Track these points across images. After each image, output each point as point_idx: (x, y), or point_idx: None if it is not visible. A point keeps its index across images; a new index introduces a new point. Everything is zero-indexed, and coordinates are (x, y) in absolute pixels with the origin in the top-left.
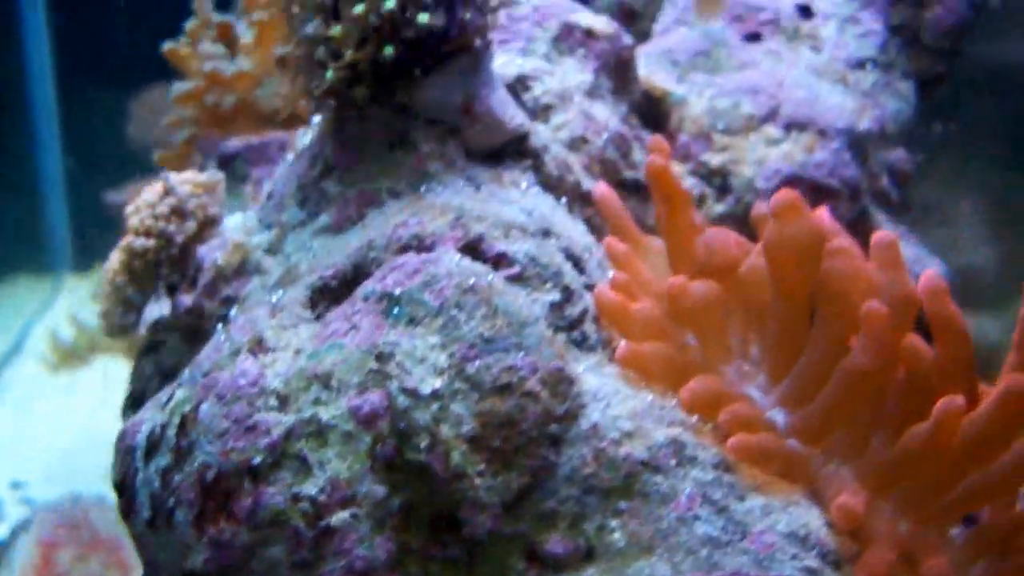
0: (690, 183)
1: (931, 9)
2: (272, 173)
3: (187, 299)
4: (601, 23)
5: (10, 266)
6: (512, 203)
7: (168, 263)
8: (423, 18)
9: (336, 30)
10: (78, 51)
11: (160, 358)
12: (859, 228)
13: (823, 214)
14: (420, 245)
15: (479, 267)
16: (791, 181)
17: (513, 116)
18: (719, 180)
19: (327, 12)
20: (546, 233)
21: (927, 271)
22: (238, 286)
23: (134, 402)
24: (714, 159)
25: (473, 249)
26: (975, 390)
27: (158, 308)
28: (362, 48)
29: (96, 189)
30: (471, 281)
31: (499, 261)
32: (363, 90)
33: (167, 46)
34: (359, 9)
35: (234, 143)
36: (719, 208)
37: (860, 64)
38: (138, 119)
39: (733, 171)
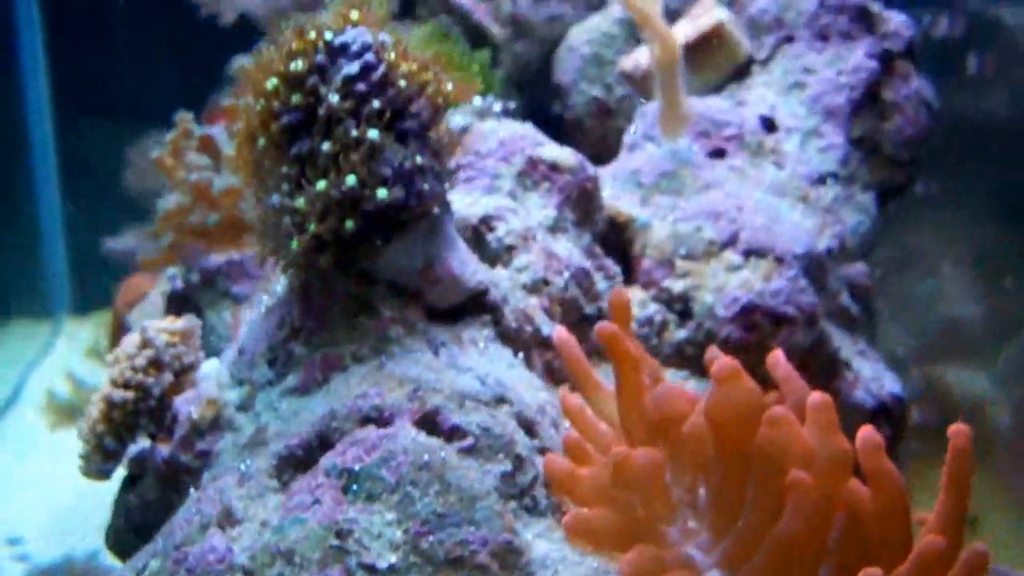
0: (652, 309)
1: (891, 121)
2: (252, 290)
3: (164, 450)
4: (565, 156)
5: (8, 311)
6: (468, 370)
7: (146, 414)
8: (382, 193)
9: (300, 203)
10: (77, 96)
11: (141, 491)
12: (817, 352)
13: (777, 357)
14: (380, 417)
15: (434, 442)
16: (749, 309)
17: (473, 273)
18: (680, 306)
19: (291, 184)
20: (500, 400)
21: (863, 430)
22: (212, 440)
23: (117, 535)
24: (676, 285)
25: (429, 422)
26: (909, 543)
27: (138, 446)
28: (325, 221)
29: (94, 234)
30: (426, 457)
31: (453, 434)
32: (327, 258)
33: (155, 154)
34: (321, 186)
35: (216, 259)
36: (681, 334)
37: (821, 179)
38: (136, 167)
39: (694, 297)
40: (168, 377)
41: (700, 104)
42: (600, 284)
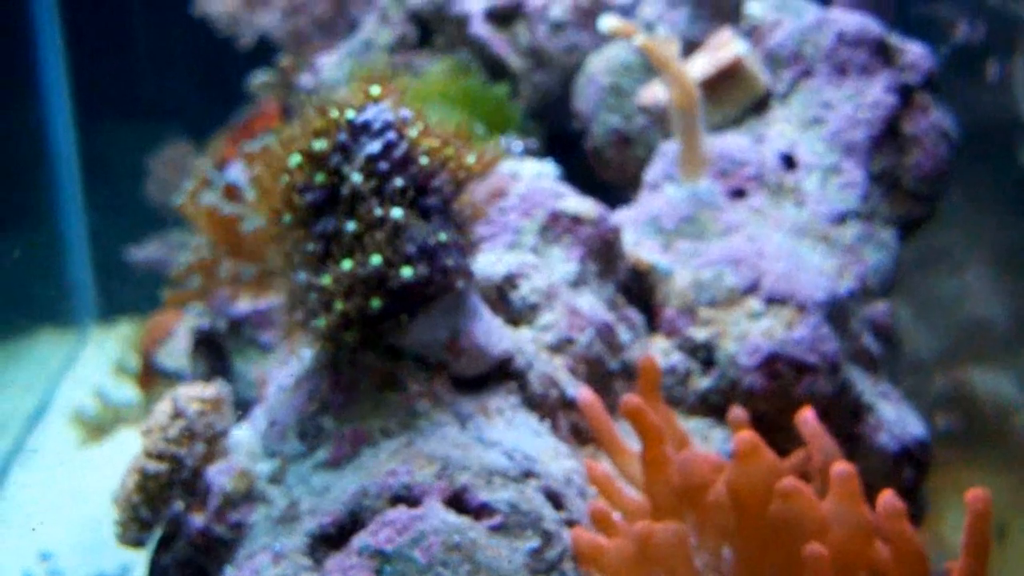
0: (676, 359)
1: (911, 155)
2: (279, 341)
3: (198, 520)
4: (586, 208)
5: (34, 320)
6: (495, 444)
7: (180, 485)
8: (407, 272)
9: (326, 281)
10: (100, 101)
11: (175, 552)
12: (841, 398)
13: (805, 416)
14: (409, 496)
15: (464, 521)
16: (771, 358)
17: (499, 342)
18: (703, 354)
19: (317, 261)
20: (527, 475)
21: (884, 494)
22: (245, 512)
23: None
24: (699, 334)
25: (458, 500)
26: None
27: (173, 508)
28: (351, 299)
29: (118, 242)
30: (456, 538)
31: (482, 512)
32: (353, 335)
33: (179, 202)
34: (347, 266)
35: (242, 307)
36: (704, 383)
37: (842, 218)
38: (157, 177)
39: (717, 346)
40: (200, 448)
41: (719, 142)
42: (623, 336)
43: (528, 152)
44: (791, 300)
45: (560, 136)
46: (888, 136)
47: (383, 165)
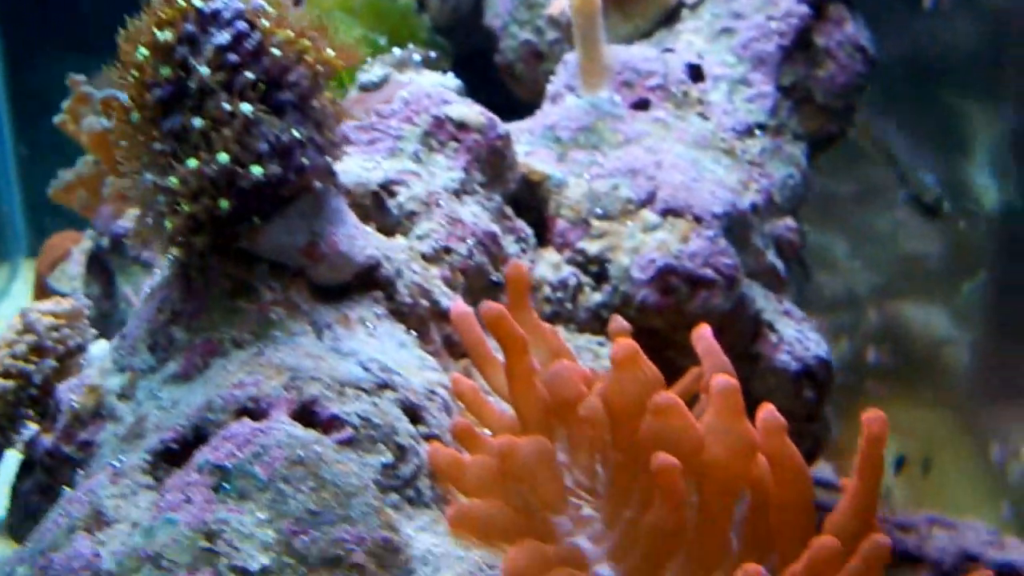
0: (567, 272)
1: (824, 68)
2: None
3: (47, 441)
4: (473, 114)
5: None
6: (351, 355)
7: (28, 403)
8: (257, 170)
9: (173, 182)
10: (30, 39)
11: (36, 478)
12: (738, 315)
13: (701, 331)
14: (256, 408)
15: (310, 435)
16: (665, 272)
17: (362, 248)
18: (596, 268)
19: (165, 162)
20: (383, 387)
21: (763, 409)
22: (94, 430)
23: (14, 523)
24: (591, 247)
25: (307, 413)
26: (811, 527)
27: (30, 431)
28: (198, 200)
29: (49, 177)
30: (300, 453)
31: (331, 425)
32: (204, 239)
33: (56, 119)
34: (193, 164)
35: (124, 223)
36: (596, 298)
37: (749, 130)
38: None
39: (610, 259)
40: (50, 363)
41: (624, 52)
42: (511, 247)
43: (429, 64)
44: (687, 212)
45: (474, 54)
46: (800, 48)
47: (232, 57)
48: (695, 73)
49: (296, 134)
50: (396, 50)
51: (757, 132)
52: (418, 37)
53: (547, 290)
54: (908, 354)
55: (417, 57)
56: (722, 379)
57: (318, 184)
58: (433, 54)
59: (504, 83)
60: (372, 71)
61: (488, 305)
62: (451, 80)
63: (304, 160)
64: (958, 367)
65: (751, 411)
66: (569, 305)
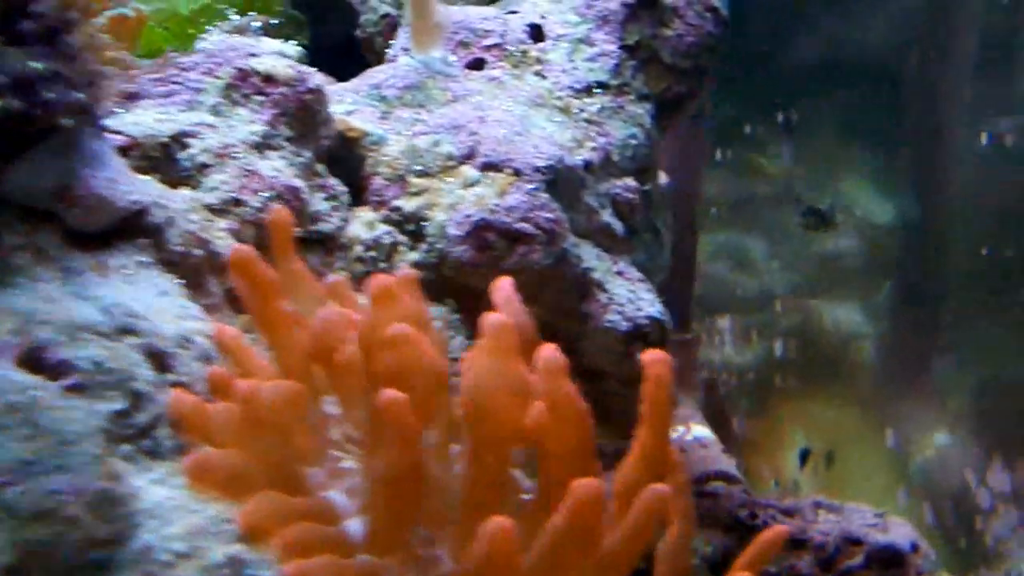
0: (381, 231)
1: (671, 27)
2: None
3: None
4: (281, 66)
5: None
6: (93, 299)
7: None
8: None
9: None
10: None
11: None
12: (561, 272)
13: (500, 283)
14: None
15: (30, 380)
16: (481, 227)
17: (126, 193)
18: (413, 226)
19: None
20: (123, 331)
21: (544, 348)
22: None
23: None
24: (408, 204)
25: (34, 358)
26: (591, 470)
27: None
28: None
29: None
30: (14, 399)
31: (59, 370)
32: None
33: None
34: None
35: None
36: (413, 256)
37: (587, 89)
38: None
39: (427, 216)
40: None
41: (460, 13)
42: (318, 204)
43: (272, 33)
44: (507, 166)
45: (335, 29)
46: (645, 6)
47: None
48: (536, 33)
49: (39, 67)
50: (235, 17)
51: (596, 91)
52: (272, 11)
53: (359, 249)
54: (818, 350)
55: (257, 24)
56: (494, 316)
57: (68, 121)
58: (272, 20)
59: (364, 58)
60: (209, 38)
61: (237, 247)
62: (291, 48)
63: (51, 95)
64: (866, 362)
65: (582, 374)
66: (384, 264)
